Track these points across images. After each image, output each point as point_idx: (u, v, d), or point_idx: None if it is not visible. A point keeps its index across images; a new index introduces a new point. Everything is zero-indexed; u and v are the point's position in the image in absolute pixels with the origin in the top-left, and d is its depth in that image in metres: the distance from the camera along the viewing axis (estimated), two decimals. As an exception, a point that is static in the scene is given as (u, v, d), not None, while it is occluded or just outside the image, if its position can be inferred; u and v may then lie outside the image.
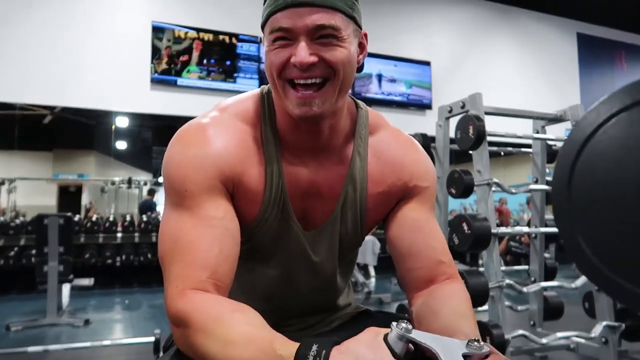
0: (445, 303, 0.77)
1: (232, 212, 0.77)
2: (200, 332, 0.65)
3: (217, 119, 0.80)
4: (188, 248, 0.73)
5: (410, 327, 0.56)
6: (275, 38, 0.72)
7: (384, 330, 0.56)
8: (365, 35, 0.82)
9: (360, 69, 0.84)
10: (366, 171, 0.85)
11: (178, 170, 0.76)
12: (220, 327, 0.64)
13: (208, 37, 5.68)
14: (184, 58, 5.56)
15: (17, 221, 5.84)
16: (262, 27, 0.77)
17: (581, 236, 0.47)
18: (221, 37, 5.72)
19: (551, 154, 2.59)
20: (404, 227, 0.85)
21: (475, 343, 0.56)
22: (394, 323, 0.56)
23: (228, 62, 5.72)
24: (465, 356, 0.55)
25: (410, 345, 0.57)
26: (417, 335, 0.56)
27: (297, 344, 0.57)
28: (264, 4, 0.77)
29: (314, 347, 0.56)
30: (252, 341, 0.61)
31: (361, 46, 0.81)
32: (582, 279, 2.20)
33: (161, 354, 0.91)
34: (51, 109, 6.08)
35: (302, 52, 0.70)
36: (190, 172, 0.75)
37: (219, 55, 5.70)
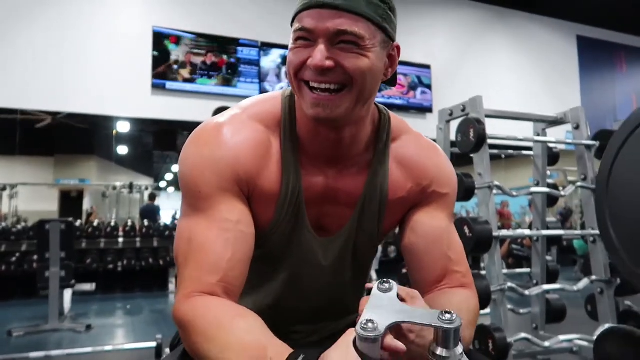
0: (451, 304, 0.75)
1: (248, 216, 0.76)
2: (201, 336, 0.65)
3: (235, 119, 0.78)
4: (200, 250, 0.72)
5: (376, 325, 0.53)
6: (298, 37, 0.72)
7: (344, 343, 0.55)
8: (398, 48, 0.80)
9: (393, 82, 0.84)
10: (387, 179, 0.82)
11: (192, 171, 0.75)
12: (220, 332, 0.64)
13: (208, 42, 5.69)
14: (184, 63, 5.57)
15: (19, 227, 5.85)
16: (292, 23, 0.76)
17: (615, 233, 0.48)
18: (222, 42, 5.74)
19: (552, 157, 2.59)
20: (420, 235, 0.82)
21: (447, 315, 0.54)
22: (358, 326, 0.53)
23: (228, 67, 5.73)
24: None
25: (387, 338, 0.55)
26: (385, 323, 0.54)
27: (289, 352, 0.58)
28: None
29: (301, 358, 0.56)
30: (246, 349, 0.61)
31: (391, 58, 0.78)
32: (584, 282, 2.20)
33: (167, 350, 0.90)
34: (52, 114, 6.09)
35: (319, 56, 0.68)
36: (204, 173, 0.74)
37: (220, 60, 5.71)
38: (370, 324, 0.53)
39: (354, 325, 0.55)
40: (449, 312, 0.54)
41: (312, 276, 0.85)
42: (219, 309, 0.68)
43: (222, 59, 5.71)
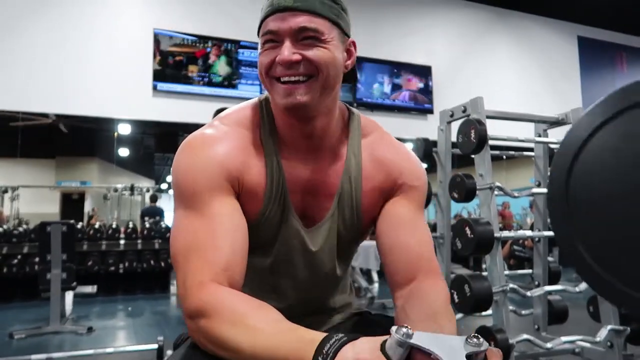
0: (423, 304, 0.79)
1: (239, 209, 0.82)
2: (227, 322, 0.68)
3: (218, 127, 0.86)
4: (202, 245, 0.76)
5: (410, 332, 0.56)
6: (265, 41, 0.81)
7: (379, 339, 0.57)
8: (354, 43, 0.87)
9: (353, 77, 0.92)
10: (360, 168, 0.89)
11: (186, 175, 0.81)
12: (247, 318, 0.67)
13: (209, 43, 5.70)
14: (185, 65, 5.58)
15: (20, 229, 5.86)
16: (258, 31, 0.85)
17: (579, 241, 0.47)
18: (222, 44, 5.75)
19: (553, 158, 2.59)
20: (390, 223, 0.88)
21: (475, 339, 0.56)
22: (394, 328, 0.56)
23: (229, 69, 5.74)
24: (467, 356, 0.55)
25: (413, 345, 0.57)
26: (418, 339, 0.57)
27: (319, 333, 0.62)
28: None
29: (334, 338, 0.60)
30: (277, 332, 0.65)
31: (348, 52, 0.86)
32: (585, 283, 2.19)
33: (169, 352, 0.91)
34: (54, 116, 6.10)
35: (286, 51, 0.77)
36: (198, 174, 0.80)
37: (221, 62, 5.72)
38: (404, 329, 0.56)
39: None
40: (477, 337, 0.56)
41: (302, 267, 0.89)
42: (239, 297, 0.72)
43: (223, 61, 5.72)
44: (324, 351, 0.59)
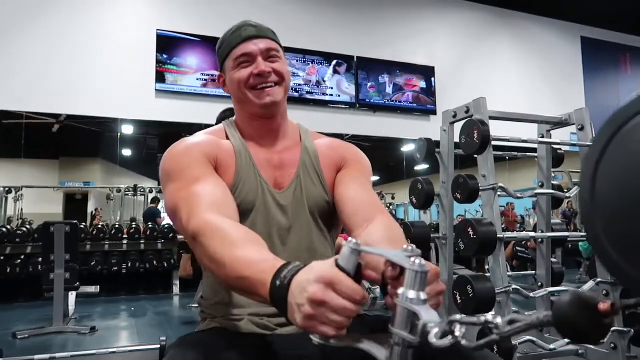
0: (376, 234, 0.93)
1: (218, 176, 1.02)
2: (217, 239, 0.82)
3: (193, 136, 1.10)
4: (195, 194, 0.94)
5: (360, 242, 0.65)
6: (240, 62, 1.07)
7: (332, 259, 0.66)
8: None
9: None
10: (315, 149, 1.14)
11: (172, 159, 1.03)
12: (232, 240, 0.80)
13: (212, 45, 5.71)
14: (188, 65, 5.59)
15: (24, 229, 5.87)
16: (223, 62, 1.11)
17: (604, 234, 0.47)
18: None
19: (557, 158, 2.58)
20: (344, 184, 1.09)
21: (409, 247, 0.65)
22: (344, 242, 0.65)
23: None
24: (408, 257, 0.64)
25: (362, 262, 0.66)
26: (366, 247, 0.66)
27: (283, 261, 0.72)
28: (219, 49, 1.12)
29: (288, 268, 0.69)
30: (253, 255, 0.76)
31: None
32: (590, 284, 2.18)
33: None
34: (57, 117, 6.12)
35: (262, 65, 1.05)
36: (182, 156, 1.03)
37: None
38: (354, 240, 0.65)
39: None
40: (410, 245, 0.66)
41: (278, 223, 1.06)
42: (230, 222, 0.87)
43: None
44: (281, 276, 0.68)
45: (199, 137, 1.09)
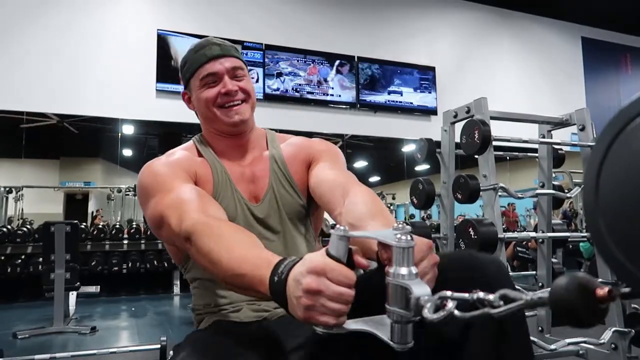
0: (357, 211, 0.92)
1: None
2: (212, 237, 0.83)
3: (166, 154, 1.13)
4: (180, 200, 0.94)
5: (347, 228, 0.67)
6: (206, 82, 1.09)
7: (323, 249, 0.68)
8: None
9: None
10: (282, 154, 1.17)
11: (150, 175, 1.04)
12: (227, 238, 0.82)
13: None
14: (189, 66, 5.59)
15: (24, 229, 5.87)
16: (188, 80, 1.13)
17: (607, 233, 0.47)
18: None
19: (557, 159, 2.57)
20: (314, 173, 1.12)
21: (399, 225, 0.66)
22: (332, 230, 0.67)
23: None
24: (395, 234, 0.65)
25: (352, 248, 0.68)
26: (355, 233, 0.69)
27: (278, 257, 0.74)
28: (183, 66, 1.14)
29: (285, 263, 0.71)
30: (249, 252, 0.78)
31: None
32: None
33: (172, 353, 0.96)
34: (57, 117, 6.12)
35: (229, 85, 1.08)
36: (161, 171, 1.04)
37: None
38: (341, 227, 0.67)
39: None
40: (400, 223, 0.67)
41: (264, 243, 1.02)
42: (222, 221, 0.89)
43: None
44: (278, 271, 0.70)
45: (174, 154, 1.12)
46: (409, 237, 0.64)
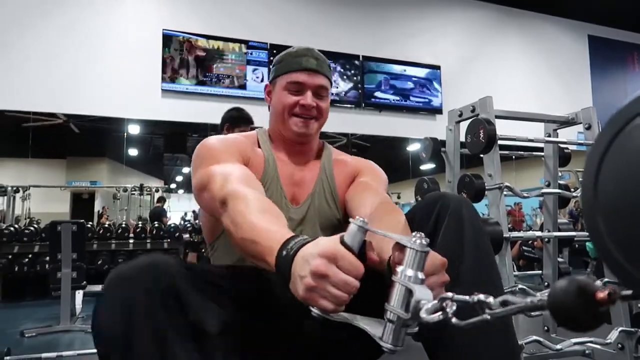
0: (383, 220, 0.93)
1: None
2: (241, 203, 0.87)
3: (228, 135, 1.18)
4: (227, 171, 1.00)
5: (367, 221, 0.68)
6: (291, 88, 1.15)
7: (338, 235, 0.69)
8: None
9: None
10: (332, 167, 1.23)
11: (207, 148, 1.10)
12: (254, 207, 0.85)
13: (218, 44, 5.72)
14: (194, 65, 5.61)
15: (31, 228, 5.90)
16: (277, 76, 1.18)
17: (606, 233, 0.47)
18: (231, 44, 5.77)
19: (563, 158, 2.56)
20: (353, 186, 1.18)
21: (417, 234, 0.65)
22: (351, 219, 0.68)
23: (238, 69, 5.76)
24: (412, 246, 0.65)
25: (369, 241, 0.69)
26: (372, 227, 0.69)
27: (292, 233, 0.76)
28: (278, 63, 1.20)
29: (295, 240, 0.73)
30: (268, 225, 0.80)
31: None
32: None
33: None
34: (64, 117, 6.15)
35: (309, 100, 1.14)
36: (218, 146, 1.09)
37: (230, 62, 5.74)
38: (361, 218, 0.68)
39: None
40: (417, 233, 0.66)
41: None
42: (255, 192, 0.92)
43: (232, 61, 5.73)
44: (288, 247, 0.71)
45: (235, 136, 1.18)
46: (424, 242, 0.64)
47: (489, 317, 0.52)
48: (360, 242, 0.68)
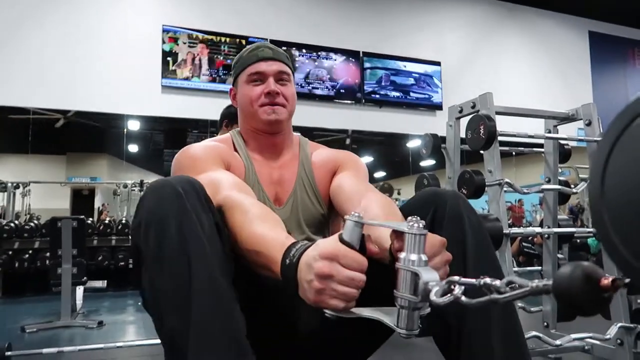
0: (372, 212, 0.94)
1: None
2: (239, 212, 0.86)
3: (203, 142, 1.18)
4: (214, 178, 0.98)
5: (362, 215, 0.69)
6: (253, 79, 1.17)
7: (336, 234, 0.70)
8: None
9: None
10: (310, 162, 1.23)
11: (188, 157, 1.09)
12: (252, 215, 0.85)
13: (218, 39, 5.71)
14: (194, 61, 5.60)
15: (32, 224, 5.91)
16: (237, 75, 1.21)
17: (613, 229, 0.47)
18: (230, 39, 5.75)
19: (563, 154, 2.56)
20: (337, 181, 1.17)
21: (413, 218, 0.66)
22: (346, 216, 0.69)
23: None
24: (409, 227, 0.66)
25: (367, 234, 0.70)
26: (368, 220, 0.70)
27: (292, 239, 0.77)
28: (235, 64, 1.22)
29: (303, 242, 0.74)
30: (268, 232, 0.80)
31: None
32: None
33: None
34: (64, 113, 6.14)
35: (272, 85, 1.15)
36: (199, 154, 1.09)
37: (229, 57, 5.73)
38: (356, 213, 0.69)
39: None
40: (414, 217, 0.67)
41: None
42: (251, 199, 0.92)
43: (231, 57, 5.72)
44: (290, 254, 0.71)
45: (212, 142, 1.18)
46: (421, 226, 0.65)
47: (497, 297, 0.54)
48: (359, 237, 0.68)
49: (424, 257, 0.64)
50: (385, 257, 0.78)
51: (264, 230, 0.80)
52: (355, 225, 0.68)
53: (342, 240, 0.68)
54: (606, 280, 0.44)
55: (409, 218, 0.67)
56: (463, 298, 0.57)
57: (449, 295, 0.58)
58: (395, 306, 0.65)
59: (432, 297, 0.59)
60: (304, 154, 1.24)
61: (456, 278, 0.59)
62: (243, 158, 1.17)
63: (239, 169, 1.13)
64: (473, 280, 0.57)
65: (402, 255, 0.65)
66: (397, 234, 0.72)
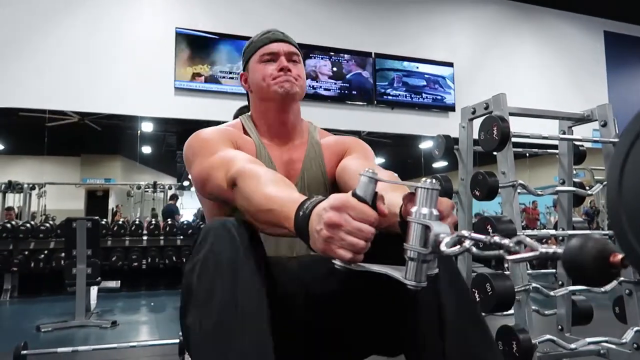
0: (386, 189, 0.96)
1: None
2: (250, 179, 0.89)
3: (216, 126, 1.20)
4: (227, 157, 1.02)
5: (376, 172, 0.70)
6: (265, 59, 1.20)
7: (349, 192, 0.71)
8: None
9: None
10: (320, 144, 1.26)
11: (199, 140, 1.12)
12: (263, 179, 0.88)
13: (230, 42, 5.74)
14: (207, 63, 5.63)
15: (47, 225, 5.99)
16: (248, 60, 1.25)
17: (630, 230, 0.47)
18: (242, 41, 5.78)
19: (578, 155, 2.53)
20: (344, 163, 1.20)
21: (427, 178, 0.67)
22: (361, 171, 0.71)
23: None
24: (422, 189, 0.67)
25: (380, 194, 0.71)
26: (382, 177, 0.71)
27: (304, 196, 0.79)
28: (246, 49, 1.27)
29: (311, 200, 0.76)
30: (280, 191, 0.83)
31: None
32: (612, 283, 2.14)
33: (186, 355, 0.98)
34: (79, 115, 6.22)
35: (284, 62, 1.19)
36: (209, 137, 1.12)
37: (241, 59, 5.76)
38: (371, 170, 0.70)
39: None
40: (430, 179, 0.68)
41: None
42: (262, 168, 0.96)
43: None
44: (304, 207, 0.74)
45: (222, 126, 1.21)
46: (434, 181, 0.66)
47: (505, 253, 0.54)
48: (372, 194, 0.70)
49: (435, 212, 0.65)
50: (393, 223, 0.80)
51: (278, 191, 0.83)
52: (369, 181, 0.69)
53: (354, 195, 0.69)
54: (615, 258, 0.45)
55: (423, 179, 0.68)
56: (473, 249, 0.58)
57: (458, 246, 0.60)
58: (404, 266, 0.67)
59: (443, 247, 0.60)
60: (313, 139, 1.26)
61: (466, 232, 0.60)
62: (254, 138, 1.20)
63: (250, 150, 1.15)
64: (482, 237, 0.58)
65: (414, 209, 0.66)
66: (409, 198, 0.73)
